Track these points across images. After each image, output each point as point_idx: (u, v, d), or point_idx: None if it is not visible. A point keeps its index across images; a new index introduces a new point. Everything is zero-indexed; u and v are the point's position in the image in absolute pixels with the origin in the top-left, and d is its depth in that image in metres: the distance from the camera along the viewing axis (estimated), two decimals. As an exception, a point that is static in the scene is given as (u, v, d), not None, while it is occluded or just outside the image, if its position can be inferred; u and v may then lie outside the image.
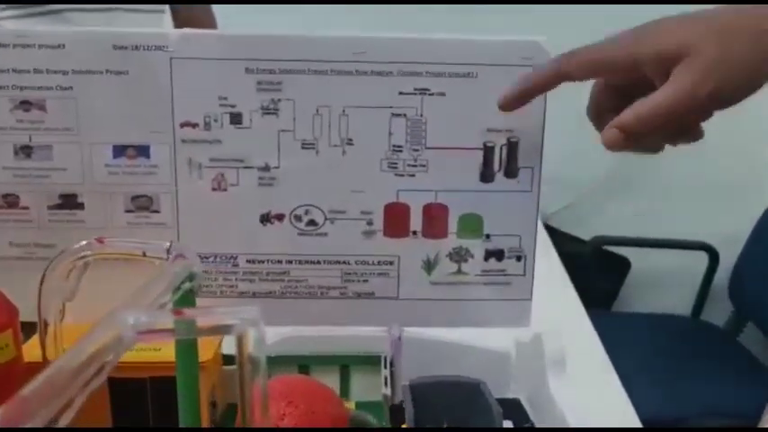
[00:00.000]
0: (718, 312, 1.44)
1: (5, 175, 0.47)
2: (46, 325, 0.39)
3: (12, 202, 0.47)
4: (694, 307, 1.48)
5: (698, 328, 1.45)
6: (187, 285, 0.34)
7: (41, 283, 0.39)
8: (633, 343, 1.31)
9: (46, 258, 0.48)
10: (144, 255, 0.38)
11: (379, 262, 0.49)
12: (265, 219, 0.48)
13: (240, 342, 0.27)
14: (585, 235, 1.49)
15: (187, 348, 0.37)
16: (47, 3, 0.92)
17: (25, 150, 0.46)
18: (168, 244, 0.37)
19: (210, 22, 1.10)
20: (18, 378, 0.39)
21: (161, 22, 1.02)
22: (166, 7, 1.04)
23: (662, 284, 1.53)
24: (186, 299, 0.34)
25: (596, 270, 1.44)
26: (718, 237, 1.44)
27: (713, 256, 1.46)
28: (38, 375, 0.22)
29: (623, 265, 1.52)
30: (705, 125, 0.42)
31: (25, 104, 0.46)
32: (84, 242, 0.38)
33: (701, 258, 1.46)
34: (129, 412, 0.44)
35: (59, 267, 0.39)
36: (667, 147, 0.43)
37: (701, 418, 1.14)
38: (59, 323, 0.40)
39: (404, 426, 0.43)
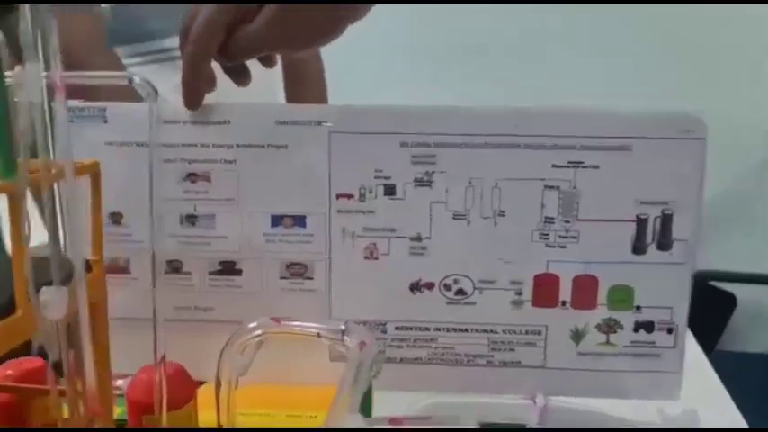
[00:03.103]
0: (833, 353, 1.38)
1: (171, 243, 0.49)
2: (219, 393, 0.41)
3: (176, 267, 0.50)
4: (806, 347, 1.42)
5: (810, 369, 1.38)
6: (373, 372, 0.35)
7: (220, 357, 0.41)
8: (740, 383, 1.26)
9: (204, 321, 0.51)
10: (318, 336, 0.39)
11: (526, 331, 0.49)
12: (415, 287, 0.49)
13: None
14: (689, 269, 1.45)
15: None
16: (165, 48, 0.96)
17: (190, 219, 0.49)
18: (343, 326, 0.39)
19: (320, 65, 1.12)
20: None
21: (272, 76, 1.05)
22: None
23: (770, 322, 1.47)
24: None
25: (701, 306, 1.39)
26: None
27: (827, 294, 1.39)
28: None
29: (729, 300, 1.47)
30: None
31: (192, 176, 0.48)
32: (259, 320, 0.40)
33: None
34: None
35: (236, 343, 0.41)
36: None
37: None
38: (233, 393, 0.41)
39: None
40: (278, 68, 1.03)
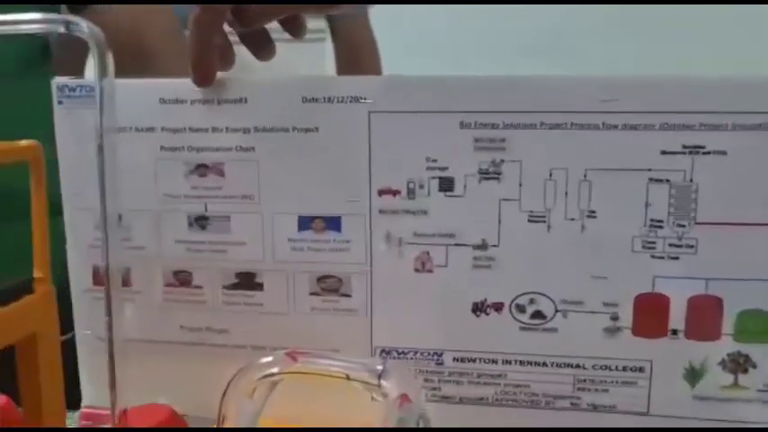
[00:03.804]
0: None
1: (178, 250, 0.40)
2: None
3: (184, 279, 0.41)
4: None
5: None
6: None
7: (222, 400, 0.32)
8: None
9: (218, 345, 0.41)
10: (348, 378, 0.29)
11: (624, 367, 0.38)
12: (479, 308, 0.38)
13: None
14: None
15: None
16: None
17: (200, 222, 0.40)
18: (381, 367, 0.29)
19: (371, 38, 1.02)
20: None
21: (323, 54, 0.96)
22: (326, 33, 0.98)
23: None
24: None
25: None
26: None
27: None
28: None
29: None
30: None
31: (201, 168, 0.39)
32: (272, 357, 0.31)
33: None
34: None
35: (242, 383, 0.31)
36: None
37: None
38: (240, 448, 0.32)
39: None
40: (329, 50, 0.94)
